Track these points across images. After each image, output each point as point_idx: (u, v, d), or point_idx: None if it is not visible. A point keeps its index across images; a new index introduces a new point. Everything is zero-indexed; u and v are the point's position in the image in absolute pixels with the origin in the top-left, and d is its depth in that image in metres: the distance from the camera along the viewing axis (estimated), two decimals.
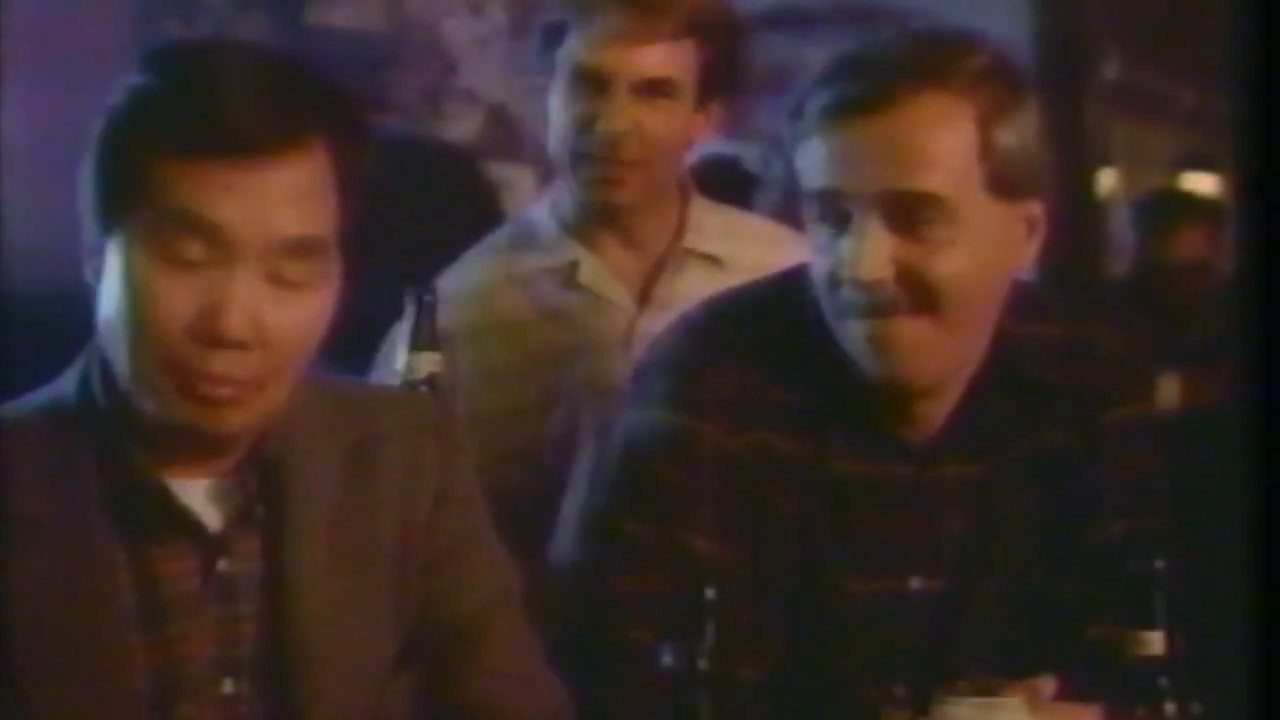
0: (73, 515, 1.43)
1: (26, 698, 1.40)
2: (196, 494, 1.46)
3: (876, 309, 1.65)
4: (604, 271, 2.26)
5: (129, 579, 1.44)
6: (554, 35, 2.24)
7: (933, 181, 1.64)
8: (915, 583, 1.77)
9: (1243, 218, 0.92)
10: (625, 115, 2.19)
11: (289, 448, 1.50)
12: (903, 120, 1.65)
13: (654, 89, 2.20)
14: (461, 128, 4.22)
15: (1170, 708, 1.50)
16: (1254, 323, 0.90)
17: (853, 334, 1.68)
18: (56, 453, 1.45)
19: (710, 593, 1.40)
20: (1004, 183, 1.68)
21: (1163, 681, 1.50)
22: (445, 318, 1.99)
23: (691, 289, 2.19)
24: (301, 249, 1.40)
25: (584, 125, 2.20)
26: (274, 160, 1.39)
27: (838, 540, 1.74)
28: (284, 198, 1.39)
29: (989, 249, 1.68)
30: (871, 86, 1.66)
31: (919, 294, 1.64)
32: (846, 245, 1.65)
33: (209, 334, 1.37)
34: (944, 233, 1.64)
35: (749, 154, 3.51)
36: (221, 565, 1.47)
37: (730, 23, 2.29)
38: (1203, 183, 7.04)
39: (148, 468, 1.45)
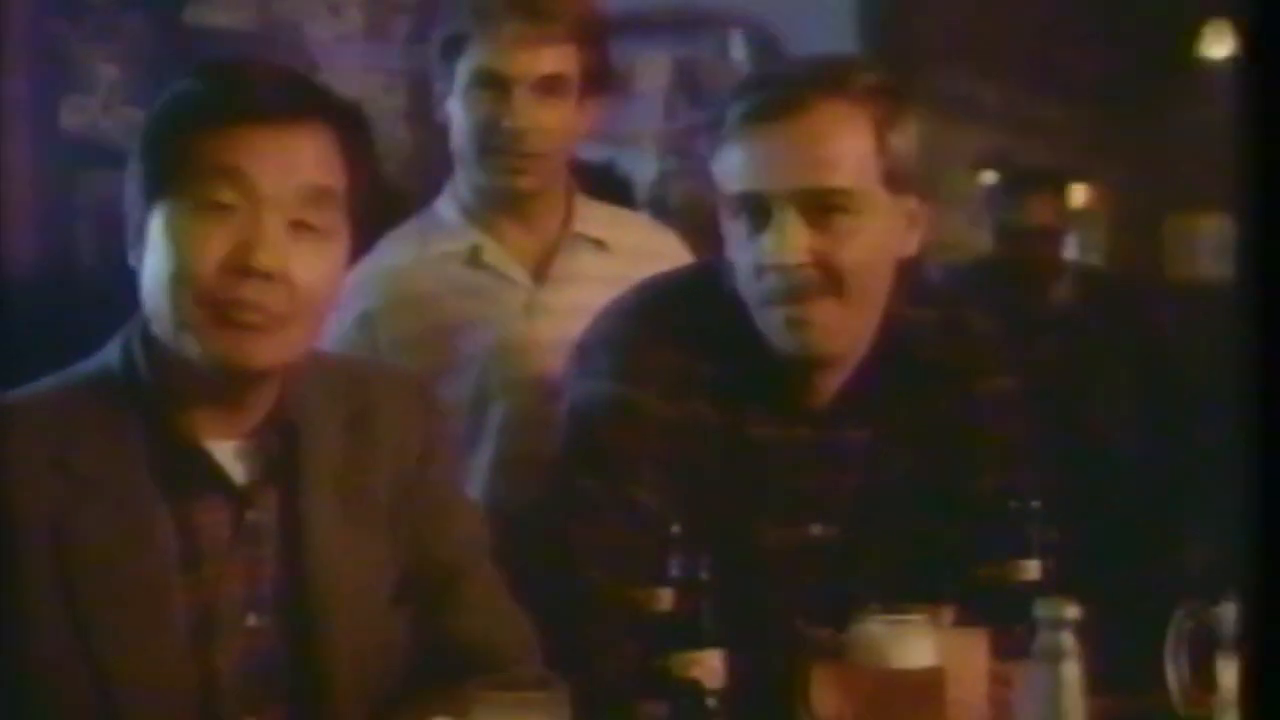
0: (122, 473, 1.65)
1: (86, 631, 1.61)
2: (226, 454, 1.69)
3: (795, 292, 1.93)
4: (504, 253, 2.52)
5: (171, 528, 1.65)
6: (453, 46, 2.49)
7: (841, 178, 1.93)
8: (816, 529, 2.06)
9: (1243, 218, 0.95)
10: (527, 113, 2.45)
11: (300, 414, 1.73)
12: (810, 126, 1.93)
13: (548, 88, 2.46)
14: None
15: (1035, 634, 1.80)
16: (1254, 323, 0.93)
17: (774, 316, 1.95)
18: (106, 418, 1.66)
19: (676, 528, 1.66)
20: (895, 179, 1.97)
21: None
22: (365, 298, 2.32)
23: (581, 268, 2.52)
24: (317, 196, 1.65)
25: (491, 123, 2.45)
26: (291, 127, 1.65)
27: (753, 493, 2.02)
28: (301, 155, 1.65)
29: (884, 237, 1.98)
30: (783, 97, 1.94)
31: (830, 277, 1.93)
32: (768, 238, 1.92)
33: (241, 266, 1.61)
34: (850, 223, 1.93)
35: (621, 159, 3.77)
36: (249, 515, 1.69)
37: (604, 27, 2.57)
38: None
39: (186, 431, 1.67)
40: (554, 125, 2.48)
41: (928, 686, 1.76)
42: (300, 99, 1.68)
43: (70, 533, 1.62)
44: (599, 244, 2.56)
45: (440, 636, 1.78)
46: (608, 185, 3.33)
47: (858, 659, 1.77)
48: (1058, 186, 4.22)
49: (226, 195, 1.62)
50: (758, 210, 1.94)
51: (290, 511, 1.71)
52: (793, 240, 1.91)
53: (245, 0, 4.13)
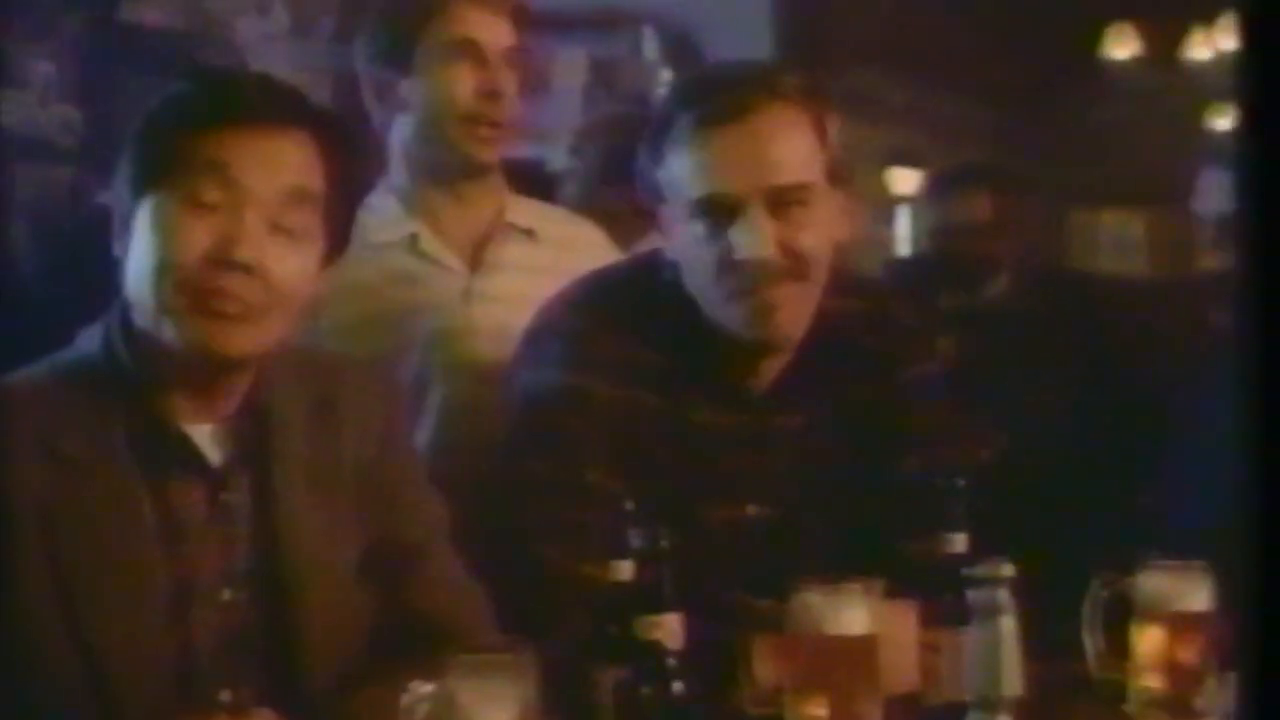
0: (105, 454, 1.74)
1: (72, 603, 1.70)
2: (203, 437, 1.79)
3: (764, 281, 2.05)
4: (440, 241, 2.62)
5: (151, 506, 1.75)
6: (413, 26, 2.58)
7: (796, 174, 2.06)
8: (753, 509, 2.18)
9: (1243, 218, 0.95)
10: (503, 79, 2.57)
11: (270, 401, 1.83)
12: (761, 127, 2.06)
13: (510, 58, 2.59)
14: None
15: (970, 594, 1.93)
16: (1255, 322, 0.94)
17: (741, 306, 2.07)
18: (89, 402, 1.75)
19: (629, 504, 1.77)
20: (833, 173, 2.11)
21: (965, 572, 1.93)
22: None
23: (512, 257, 2.63)
24: (297, 198, 1.75)
25: (478, 89, 2.55)
26: (276, 132, 1.75)
27: (695, 475, 2.14)
28: (284, 158, 1.76)
29: (829, 227, 2.11)
30: (730, 102, 2.06)
31: (794, 264, 2.06)
32: (739, 235, 2.04)
33: (222, 258, 1.71)
34: (805, 214, 2.06)
35: (550, 155, 3.87)
36: (224, 496, 1.79)
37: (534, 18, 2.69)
38: (907, 177, 7.60)
39: (165, 415, 1.76)
40: (514, 94, 2.61)
41: (862, 652, 1.88)
42: (286, 106, 1.78)
43: (57, 511, 1.71)
44: (529, 233, 2.67)
45: (403, 610, 1.88)
46: (533, 182, 3.43)
47: (797, 627, 1.89)
48: (990, 183, 4.31)
49: (212, 192, 1.71)
50: (722, 210, 2.06)
51: (262, 492, 1.81)
52: (763, 234, 2.04)
53: None
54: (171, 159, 1.72)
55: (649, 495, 2.02)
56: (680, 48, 6.40)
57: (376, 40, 2.64)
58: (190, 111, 1.75)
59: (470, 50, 2.56)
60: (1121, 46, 6.63)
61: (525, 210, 2.71)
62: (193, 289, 1.71)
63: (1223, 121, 6.42)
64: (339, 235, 1.83)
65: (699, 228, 2.09)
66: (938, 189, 4.33)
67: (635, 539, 1.63)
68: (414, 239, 2.61)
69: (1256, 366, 0.94)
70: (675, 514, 2.07)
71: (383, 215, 2.64)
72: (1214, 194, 2.42)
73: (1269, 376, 0.94)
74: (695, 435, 2.14)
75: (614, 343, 2.13)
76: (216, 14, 4.38)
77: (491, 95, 2.55)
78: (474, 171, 2.62)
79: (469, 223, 2.65)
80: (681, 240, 2.13)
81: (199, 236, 1.71)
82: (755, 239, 2.06)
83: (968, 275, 4.00)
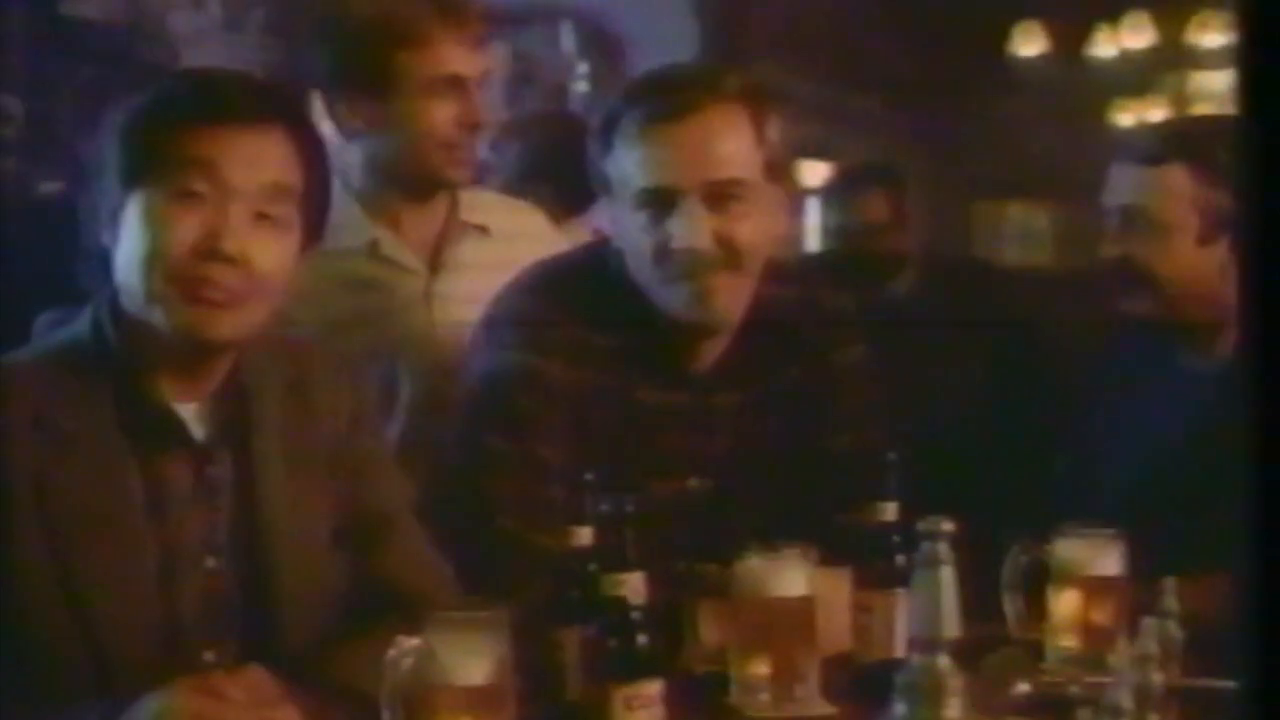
0: (96, 431, 1.85)
1: (67, 571, 1.80)
2: (188, 414, 1.90)
3: (700, 269, 2.19)
4: (400, 244, 2.72)
5: (139, 480, 1.86)
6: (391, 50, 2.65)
7: (733, 170, 2.20)
8: (694, 482, 2.32)
9: (1242, 219, 0.96)
10: (481, 106, 2.67)
11: (249, 381, 1.95)
12: (703, 126, 2.21)
13: (482, 86, 2.70)
14: None
15: (901, 558, 2.08)
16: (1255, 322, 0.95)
17: (679, 291, 2.21)
18: (80, 382, 1.86)
19: (589, 475, 1.91)
20: (771, 169, 2.25)
21: (895, 539, 2.09)
22: None
23: (469, 255, 2.72)
24: (277, 191, 1.87)
25: (459, 120, 2.64)
26: (257, 128, 1.86)
27: (640, 450, 2.27)
28: (265, 154, 1.87)
29: (766, 220, 2.25)
30: (676, 101, 2.20)
31: (729, 255, 2.20)
32: (676, 225, 2.18)
33: (209, 250, 1.82)
34: (742, 208, 2.20)
35: None
36: (207, 470, 1.90)
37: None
38: (815, 170, 7.74)
39: (153, 394, 1.88)
40: (488, 116, 2.74)
41: (801, 614, 2.03)
42: (265, 104, 1.89)
43: (52, 483, 1.81)
44: (482, 230, 2.77)
45: (372, 576, 2.00)
46: None
47: (740, 591, 2.03)
48: (884, 183, 4.39)
49: (199, 186, 1.83)
50: (662, 201, 2.20)
51: (243, 466, 1.92)
52: (699, 225, 2.18)
53: None
54: (159, 155, 1.83)
55: (600, 469, 2.16)
56: (598, 41, 6.53)
57: (346, 60, 2.69)
58: (177, 109, 1.86)
59: (453, 84, 2.65)
60: (1029, 44, 6.82)
61: (478, 205, 2.80)
62: (182, 278, 1.82)
63: (1125, 117, 6.63)
64: (315, 226, 1.95)
65: (641, 217, 2.22)
66: (835, 191, 4.44)
67: (602, 504, 1.77)
68: (375, 245, 2.70)
69: (1256, 366, 0.95)
70: (623, 487, 2.22)
71: (343, 220, 2.73)
72: (1120, 187, 2.57)
73: (1268, 376, 0.95)
74: (640, 413, 2.28)
75: (564, 326, 2.26)
76: (152, 8, 4.48)
77: (472, 126, 2.65)
78: (446, 188, 2.73)
79: (426, 223, 2.75)
80: (626, 229, 2.26)
81: (187, 229, 1.82)
82: (691, 229, 2.20)
83: (874, 272, 4.14)
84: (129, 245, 1.85)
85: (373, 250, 2.70)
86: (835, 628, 2.08)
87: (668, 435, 2.30)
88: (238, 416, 1.93)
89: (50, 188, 3.23)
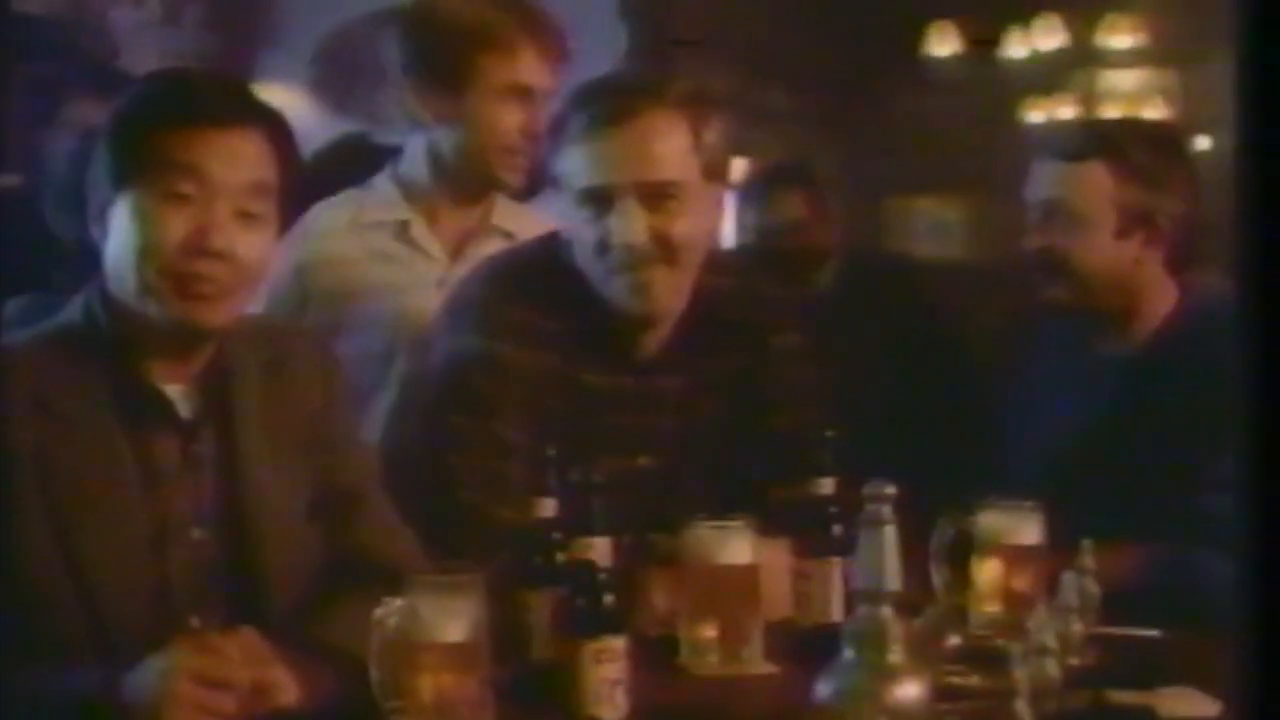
0: (91, 411, 1.97)
1: (66, 541, 1.93)
2: (176, 395, 2.03)
3: (637, 263, 2.34)
4: (429, 232, 2.89)
5: (130, 456, 1.99)
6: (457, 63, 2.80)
7: (668, 172, 2.35)
8: (642, 460, 2.47)
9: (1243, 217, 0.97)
10: (542, 119, 2.75)
11: (231, 364, 2.08)
12: (641, 130, 2.35)
13: (549, 100, 2.80)
14: None
15: (837, 529, 2.24)
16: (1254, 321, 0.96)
17: (618, 283, 2.36)
18: (75, 365, 1.99)
19: (552, 451, 2.06)
20: (709, 171, 2.40)
21: (832, 511, 2.25)
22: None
23: (489, 253, 2.84)
24: (258, 189, 2.00)
25: (527, 132, 2.80)
26: (236, 130, 2.00)
27: (591, 428, 2.42)
28: (245, 154, 2.00)
29: (702, 218, 2.40)
30: (616, 106, 2.35)
31: (664, 250, 2.35)
32: (614, 222, 2.33)
33: (197, 247, 1.96)
34: (677, 206, 2.35)
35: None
36: (194, 447, 2.03)
37: None
38: (735, 165, 7.89)
39: (143, 376, 2.01)
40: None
41: (746, 580, 2.18)
42: (243, 106, 2.04)
43: (50, 460, 1.94)
44: (508, 235, 2.92)
45: (345, 544, 2.13)
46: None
47: (689, 559, 2.19)
48: (799, 181, 4.47)
49: (186, 187, 1.96)
50: (602, 199, 2.35)
51: (226, 443, 2.05)
52: (635, 223, 2.33)
53: None
54: (147, 157, 1.97)
55: (560, 445, 2.31)
56: None
57: (428, 53, 2.84)
58: (162, 113, 2.00)
59: (524, 93, 2.80)
60: (943, 44, 7.00)
61: (510, 214, 2.96)
62: (173, 273, 1.96)
63: (1035, 115, 6.82)
64: (288, 219, 2.09)
65: (584, 213, 2.37)
66: (752, 191, 4.56)
67: (572, 475, 1.91)
68: (405, 225, 2.87)
69: (1256, 369, 0.97)
70: (581, 461, 2.37)
71: (380, 198, 2.90)
72: (1043, 182, 2.72)
73: (1268, 377, 0.96)
74: (590, 395, 2.43)
75: (519, 313, 2.41)
76: (93, 4, 4.57)
77: (533, 136, 2.78)
78: (498, 190, 2.89)
79: (459, 219, 2.92)
80: (572, 224, 2.41)
81: (176, 227, 1.96)
82: (628, 226, 2.35)
83: (798, 266, 4.28)
84: (121, 241, 1.98)
85: (401, 230, 2.88)
86: (777, 595, 2.24)
87: (615, 416, 2.45)
88: (220, 396, 2.06)
89: (3, 181, 3.31)
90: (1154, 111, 6.50)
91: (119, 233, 1.98)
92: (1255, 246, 0.98)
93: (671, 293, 2.41)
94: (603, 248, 2.36)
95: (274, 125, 2.05)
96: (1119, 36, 6.67)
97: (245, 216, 1.99)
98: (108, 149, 2.00)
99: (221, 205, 1.97)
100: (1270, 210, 0.97)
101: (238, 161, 1.99)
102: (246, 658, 1.86)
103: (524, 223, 2.94)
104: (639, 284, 2.37)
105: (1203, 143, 5.69)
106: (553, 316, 2.42)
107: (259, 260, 2.01)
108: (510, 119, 2.82)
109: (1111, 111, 6.60)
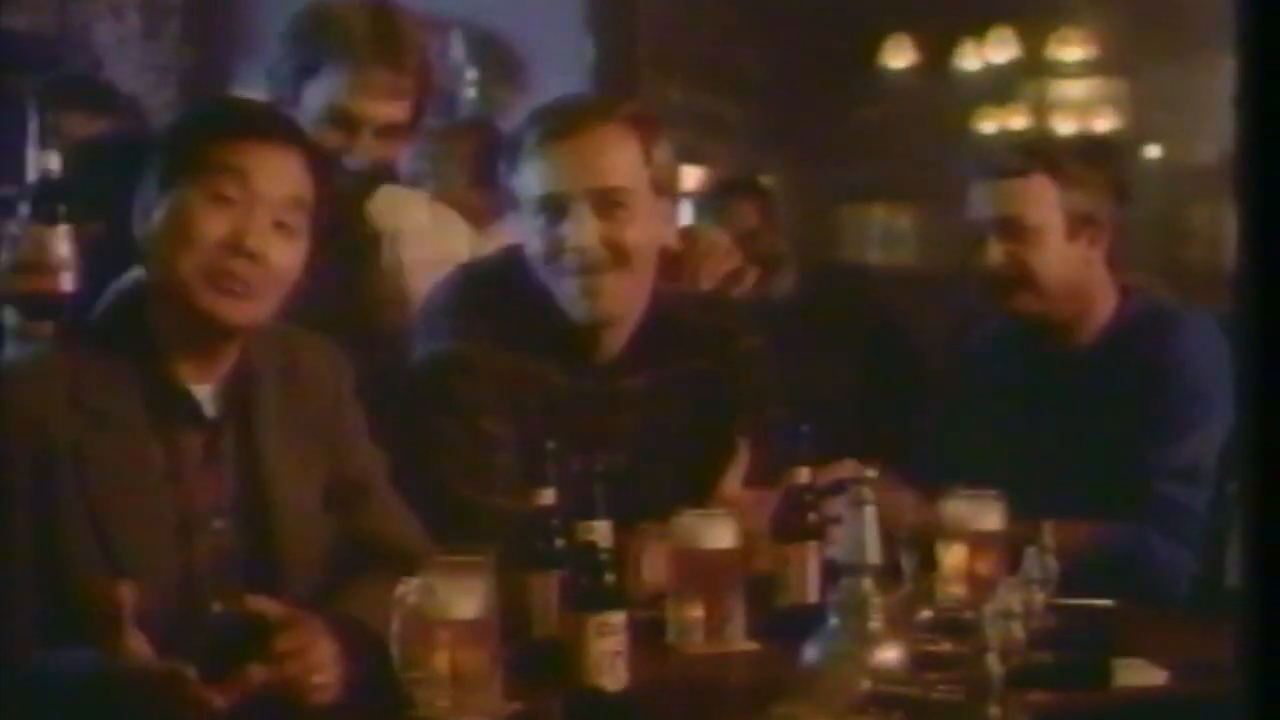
0: (123, 407, 2.11)
1: (101, 529, 2.07)
2: (203, 394, 2.18)
3: (589, 268, 2.51)
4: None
5: (160, 451, 2.13)
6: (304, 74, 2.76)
7: (619, 179, 2.53)
8: (602, 459, 2.54)
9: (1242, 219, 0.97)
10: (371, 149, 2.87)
11: (251, 367, 2.22)
12: (592, 142, 2.54)
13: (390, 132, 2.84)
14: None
15: (813, 516, 2.41)
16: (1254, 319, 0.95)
17: (570, 287, 2.53)
18: (108, 364, 2.13)
19: (551, 444, 2.22)
20: (658, 185, 2.58)
21: (807, 499, 2.41)
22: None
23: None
24: (294, 202, 2.16)
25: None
26: (281, 147, 2.17)
27: (558, 427, 2.50)
28: (286, 169, 2.17)
29: (652, 228, 2.58)
30: (569, 121, 2.53)
31: (616, 255, 2.52)
32: (567, 228, 2.51)
33: (235, 246, 2.11)
34: (627, 214, 2.53)
35: None
36: (217, 443, 2.18)
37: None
38: (688, 174, 8.03)
39: (173, 376, 2.15)
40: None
41: (730, 563, 2.34)
42: (288, 128, 2.23)
43: (86, 454, 2.08)
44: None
45: (357, 533, 2.28)
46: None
47: (677, 543, 2.35)
48: (750, 193, 4.66)
49: (231, 190, 2.12)
50: (556, 207, 2.52)
51: (246, 441, 2.20)
52: (587, 227, 2.51)
53: (46, 5, 4.54)
54: (197, 161, 2.13)
55: (559, 438, 2.45)
56: (487, 47, 6.78)
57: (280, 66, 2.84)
58: (215, 122, 2.19)
59: (343, 119, 2.77)
60: (898, 56, 7.19)
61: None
62: (209, 268, 2.10)
63: (987, 125, 7.02)
64: (317, 239, 2.23)
65: (539, 221, 2.55)
66: (707, 201, 4.71)
67: (576, 464, 2.07)
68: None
69: (1255, 369, 0.97)
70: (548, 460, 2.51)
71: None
72: (989, 200, 2.91)
73: (1267, 377, 0.97)
74: (555, 395, 2.58)
75: (485, 315, 2.58)
76: (78, 19, 4.71)
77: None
78: None
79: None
80: (528, 233, 2.57)
81: (217, 225, 2.11)
82: (580, 230, 2.51)
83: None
84: (163, 233, 2.13)
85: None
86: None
87: (580, 415, 2.59)
88: (242, 397, 2.21)
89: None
90: (1103, 121, 6.71)
91: (162, 226, 2.13)
92: (1256, 246, 0.99)
93: (623, 297, 2.57)
94: (556, 252, 2.52)
95: (313, 150, 2.23)
96: (1069, 49, 6.87)
97: (281, 226, 2.14)
98: (160, 153, 2.16)
99: (261, 212, 2.12)
100: (1270, 210, 0.98)
101: (279, 175, 2.15)
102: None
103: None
104: (591, 288, 2.52)
105: (1152, 150, 5.89)
106: (516, 320, 2.57)
107: (288, 268, 2.16)
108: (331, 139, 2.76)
109: (1062, 122, 6.80)
